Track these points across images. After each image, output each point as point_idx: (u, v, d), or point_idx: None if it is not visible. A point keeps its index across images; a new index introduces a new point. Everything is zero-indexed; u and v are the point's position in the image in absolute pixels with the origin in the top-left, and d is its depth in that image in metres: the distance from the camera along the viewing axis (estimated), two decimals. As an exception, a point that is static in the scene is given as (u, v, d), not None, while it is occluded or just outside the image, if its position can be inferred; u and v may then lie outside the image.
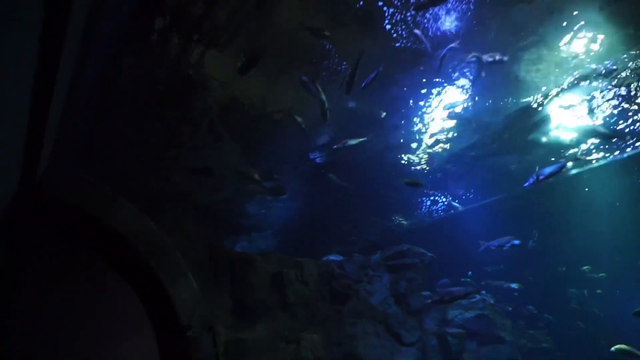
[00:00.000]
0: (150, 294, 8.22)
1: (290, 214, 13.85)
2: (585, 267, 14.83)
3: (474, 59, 7.18)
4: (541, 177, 8.54)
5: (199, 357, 8.13)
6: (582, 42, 7.64)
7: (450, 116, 10.22)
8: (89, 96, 8.12)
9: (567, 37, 7.60)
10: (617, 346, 9.51)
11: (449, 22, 8.00)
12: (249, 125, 10.31)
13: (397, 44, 8.51)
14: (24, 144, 3.05)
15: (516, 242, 8.00)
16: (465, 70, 8.82)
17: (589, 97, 9.30)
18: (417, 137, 11.21)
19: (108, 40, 7.62)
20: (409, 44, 8.51)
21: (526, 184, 8.80)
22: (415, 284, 10.56)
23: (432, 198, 14.74)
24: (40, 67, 2.24)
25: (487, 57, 7.00)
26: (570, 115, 9.82)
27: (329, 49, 8.67)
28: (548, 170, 8.71)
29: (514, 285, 12.27)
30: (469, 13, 7.47)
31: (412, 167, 12.30)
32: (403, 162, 12.11)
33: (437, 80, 9.38)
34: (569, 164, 9.85)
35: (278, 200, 13.28)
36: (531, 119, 10.51)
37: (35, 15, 1.89)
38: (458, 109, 9.93)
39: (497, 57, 7.07)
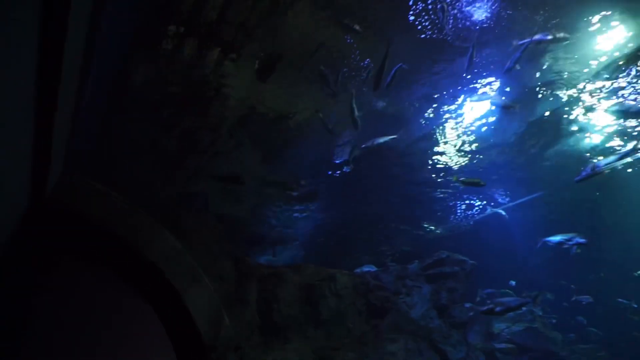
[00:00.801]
0: (168, 311, 7.57)
1: (316, 225, 13.14)
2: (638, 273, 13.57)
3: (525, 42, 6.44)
4: (597, 169, 7.63)
5: (224, 381, 7.37)
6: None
7: (486, 114, 9.45)
8: (101, 102, 7.69)
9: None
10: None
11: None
12: (269, 132, 9.76)
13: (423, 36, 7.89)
14: (32, 154, 2.82)
15: (582, 240, 7.05)
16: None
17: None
18: (447, 137, 10.48)
19: (120, 46, 7.25)
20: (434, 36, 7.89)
21: (579, 177, 7.89)
22: (457, 295, 9.62)
23: (466, 202, 13.82)
24: (41, 68, 2.12)
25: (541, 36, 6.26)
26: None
27: (349, 47, 8.11)
28: (605, 161, 7.81)
29: (586, 298, 11.07)
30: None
31: (441, 167, 11.50)
32: (436, 163, 11.34)
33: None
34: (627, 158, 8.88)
35: (304, 210, 12.60)
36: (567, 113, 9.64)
37: (32, 15, 1.83)
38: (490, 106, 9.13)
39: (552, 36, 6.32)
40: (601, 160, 8.11)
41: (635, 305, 14.88)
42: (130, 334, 7.59)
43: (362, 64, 8.61)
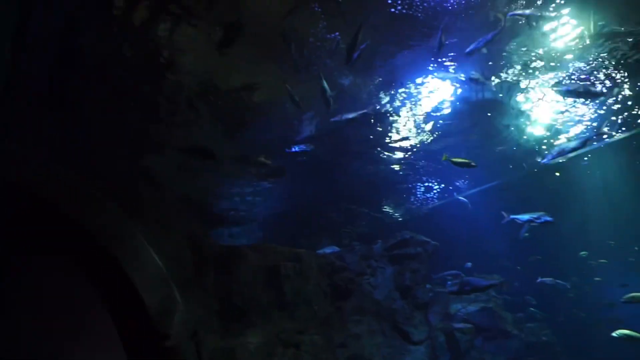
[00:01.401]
0: (114, 296, 6.78)
1: (274, 205, 12.64)
2: (582, 253, 14.33)
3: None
4: (563, 153, 7.74)
5: (180, 371, 6.74)
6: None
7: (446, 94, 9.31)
8: (46, 66, 6.73)
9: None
10: (619, 331, 8.92)
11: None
12: (229, 106, 9.08)
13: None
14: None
15: (549, 218, 7.11)
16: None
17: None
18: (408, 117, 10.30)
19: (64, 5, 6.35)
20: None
21: (545, 160, 7.97)
22: (419, 276, 9.57)
23: (425, 185, 13.87)
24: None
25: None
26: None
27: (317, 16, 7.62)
28: (570, 145, 7.92)
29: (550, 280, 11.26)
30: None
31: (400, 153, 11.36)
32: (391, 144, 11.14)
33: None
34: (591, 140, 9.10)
35: (263, 190, 12.03)
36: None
37: None
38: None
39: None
40: (568, 144, 8.28)
41: (569, 286, 15.81)
42: (69, 322, 6.69)
43: (329, 35, 8.14)
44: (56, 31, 6.65)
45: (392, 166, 12.39)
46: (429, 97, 9.45)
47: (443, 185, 14.09)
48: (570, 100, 8.95)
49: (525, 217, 7.30)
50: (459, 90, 9.08)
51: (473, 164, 6.49)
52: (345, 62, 7.11)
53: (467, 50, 6.93)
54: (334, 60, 8.33)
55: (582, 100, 8.84)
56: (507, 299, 13.89)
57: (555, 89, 8.46)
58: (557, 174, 13.16)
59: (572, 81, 8.28)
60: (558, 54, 7.77)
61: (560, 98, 8.71)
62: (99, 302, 7.07)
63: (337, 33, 8.04)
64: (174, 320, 6.82)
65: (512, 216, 7.62)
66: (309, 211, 13.53)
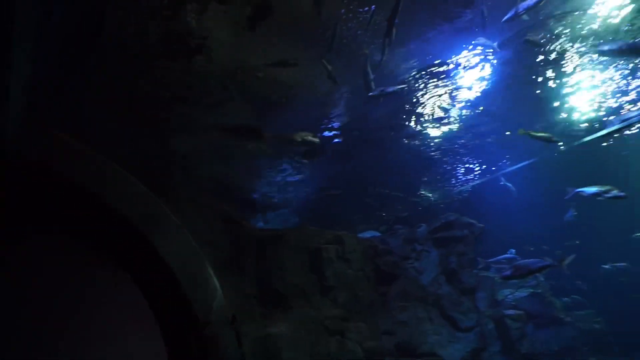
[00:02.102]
0: (152, 283, 6.50)
1: (309, 189, 12.26)
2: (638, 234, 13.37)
3: None
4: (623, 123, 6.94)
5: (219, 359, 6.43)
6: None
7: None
8: (66, 41, 6.43)
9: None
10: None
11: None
12: (259, 88, 8.67)
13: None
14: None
15: (620, 193, 6.40)
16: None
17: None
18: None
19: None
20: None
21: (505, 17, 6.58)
22: (465, 259, 9.00)
23: (464, 165, 13.18)
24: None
25: None
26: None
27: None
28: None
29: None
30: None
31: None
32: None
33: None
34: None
35: (296, 174, 11.65)
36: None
37: None
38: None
39: None
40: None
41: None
42: (104, 310, 6.39)
43: (362, 9, 7.58)
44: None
45: (428, 146, 11.84)
46: (469, 70, 8.87)
47: (484, 166, 13.40)
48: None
49: (592, 190, 6.59)
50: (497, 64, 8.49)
51: (554, 138, 5.82)
52: (385, 36, 6.57)
53: (507, 17, 6.25)
54: (367, 35, 7.83)
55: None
56: (553, 284, 13.15)
57: (600, 48, 7.67)
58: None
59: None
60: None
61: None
62: (133, 288, 6.85)
63: (372, 6, 7.50)
64: (213, 307, 6.54)
65: (577, 190, 6.92)
66: (343, 196, 13.11)
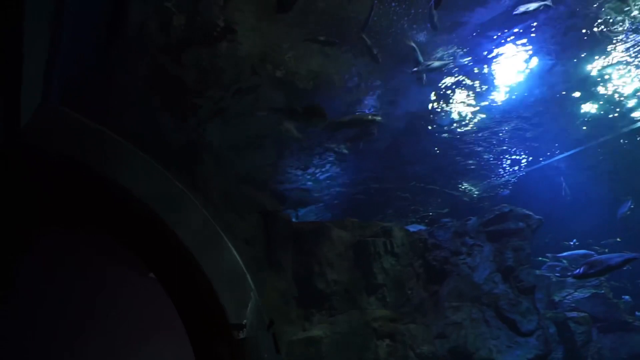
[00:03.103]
0: (178, 282, 5.91)
1: (342, 183, 11.57)
2: None
3: None
4: None
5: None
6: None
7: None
8: (95, 26, 5.98)
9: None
10: None
11: None
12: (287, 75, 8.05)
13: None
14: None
15: None
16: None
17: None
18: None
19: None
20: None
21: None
22: (523, 255, 8.09)
23: (508, 156, 12.22)
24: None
25: None
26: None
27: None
28: None
29: None
30: None
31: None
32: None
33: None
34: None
35: (330, 166, 10.97)
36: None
37: None
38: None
39: None
40: None
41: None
42: (125, 313, 5.78)
43: None
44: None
45: (468, 134, 11.00)
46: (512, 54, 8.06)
47: (530, 157, 12.43)
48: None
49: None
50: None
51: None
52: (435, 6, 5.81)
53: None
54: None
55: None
56: (613, 284, 12.02)
57: None
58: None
59: None
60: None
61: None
62: (156, 288, 6.27)
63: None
64: (247, 308, 5.91)
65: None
66: (378, 191, 12.36)
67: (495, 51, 8.08)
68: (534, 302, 7.95)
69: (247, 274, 6.23)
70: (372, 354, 6.03)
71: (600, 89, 9.35)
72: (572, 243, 10.44)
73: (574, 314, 8.43)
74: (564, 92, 9.65)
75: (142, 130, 6.77)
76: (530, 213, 8.47)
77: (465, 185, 13.34)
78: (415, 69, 7.15)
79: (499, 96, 9.62)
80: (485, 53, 8.14)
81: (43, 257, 5.21)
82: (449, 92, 9.11)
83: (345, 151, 8.81)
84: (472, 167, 12.59)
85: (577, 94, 9.62)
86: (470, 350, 7.02)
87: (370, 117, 6.74)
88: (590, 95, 9.70)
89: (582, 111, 10.19)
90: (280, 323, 6.19)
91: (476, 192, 13.32)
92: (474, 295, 7.46)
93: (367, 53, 7.13)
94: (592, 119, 10.57)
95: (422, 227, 8.51)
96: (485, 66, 8.61)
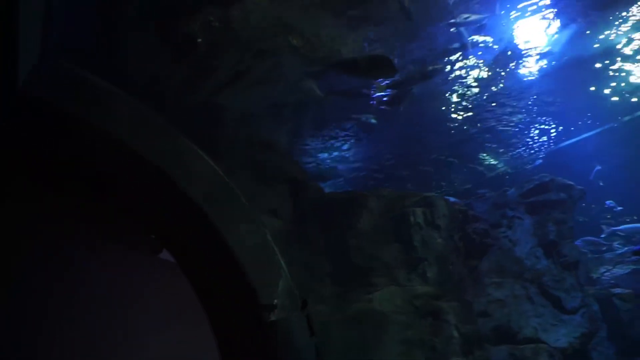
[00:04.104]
0: (203, 260, 5.40)
1: (362, 156, 11.00)
2: None
3: None
4: None
5: (287, 352, 5.28)
6: None
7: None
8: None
9: None
10: None
11: None
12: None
13: None
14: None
15: None
16: None
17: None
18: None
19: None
20: None
21: None
22: (565, 228, 7.55)
23: (538, 127, 11.57)
24: None
25: None
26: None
27: None
28: None
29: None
30: None
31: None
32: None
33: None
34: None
35: (349, 139, 10.37)
36: None
37: None
38: None
39: None
40: None
41: None
42: (138, 297, 5.21)
43: None
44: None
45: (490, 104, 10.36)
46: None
47: (560, 128, 11.77)
48: None
49: None
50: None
51: None
52: None
53: None
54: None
55: None
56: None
57: None
58: None
59: None
60: None
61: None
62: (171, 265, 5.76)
63: None
64: (278, 287, 5.38)
65: None
66: (398, 165, 11.79)
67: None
68: (577, 278, 7.44)
69: (277, 250, 5.70)
70: (416, 334, 5.53)
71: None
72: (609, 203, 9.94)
73: (618, 290, 7.91)
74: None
75: (153, 89, 6.15)
76: (572, 183, 7.89)
77: (489, 159, 12.76)
78: (451, 20, 6.55)
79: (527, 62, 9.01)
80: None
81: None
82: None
83: (372, 121, 8.22)
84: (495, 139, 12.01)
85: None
86: (514, 329, 6.53)
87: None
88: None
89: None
90: (313, 302, 5.68)
91: (501, 167, 12.75)
92: (516, 271, 6.94)
93: (399, 8, 6.49)
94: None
95: (455, 200, 7.93)
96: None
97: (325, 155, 9.96)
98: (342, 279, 5.84)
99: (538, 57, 8.79)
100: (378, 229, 5.73)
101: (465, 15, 6.47)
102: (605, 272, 9.08)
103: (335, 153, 9.92)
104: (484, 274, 6.70)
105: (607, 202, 9.95)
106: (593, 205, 12.03)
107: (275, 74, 7.15)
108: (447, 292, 6.01)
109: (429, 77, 7.16)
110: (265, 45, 6.94)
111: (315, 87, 6.94)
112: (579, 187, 7.89)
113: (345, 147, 9.83)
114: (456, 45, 7.25)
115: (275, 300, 5.19)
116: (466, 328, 5.89)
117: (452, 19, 6.37)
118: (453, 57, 8.24)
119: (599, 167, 12.08)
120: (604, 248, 9.81)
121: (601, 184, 12.10)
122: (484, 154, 12.68)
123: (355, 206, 5.67)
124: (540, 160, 12.15)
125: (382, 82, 6.92)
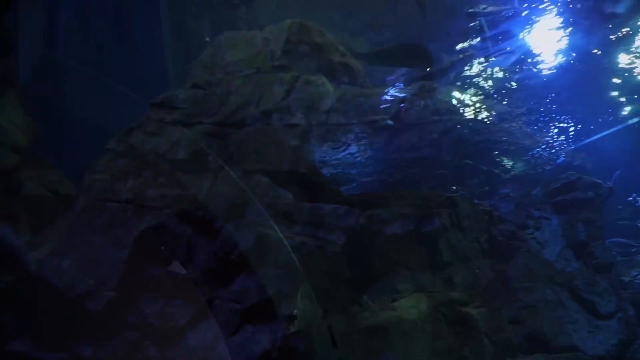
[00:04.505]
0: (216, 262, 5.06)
1: (376, 160, 10.69)
2: None
3: None
4: None
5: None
6: None
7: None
8: None
9: None
10: None
11: None
12: None
13: None
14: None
15: None
16: None
17: None
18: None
19: None
20: None
21: None
22: (595, 228, 7.15)
23: (558, 125, 11.19)
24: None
25: None
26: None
27: None
28: None
29: None
30: None
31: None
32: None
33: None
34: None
35: (362, 143, 10.09)
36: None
37: None
38: None
39: None
40: None
41: None
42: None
43: None
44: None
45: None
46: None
47: (579, 126, 11.38)
48: None
49: None
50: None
51: None
52: None
53: None
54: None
55: None
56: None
57: None
58: None
59: None
60: None
61: None
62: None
63: None
64: (298, 296, 5.07)
65: None
66: (411, 169, 11.47)
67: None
68: (611, 281, 7.00)
69: (293, 254, 5.40)
70: (443, 343, 5.15)
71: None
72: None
73: (655, 293, 7.44)
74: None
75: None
76: (600, 181, 7.50)
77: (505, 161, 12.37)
78: (469, 10, 6.34)
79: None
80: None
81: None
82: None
83: (389, 122, 7.95)
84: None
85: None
86: (548, 337, 6.11)
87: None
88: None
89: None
90: (332, 311, 5.34)
91: (516, 169, 12.33)
92: (546, 275, 6.54)
93: (417, 4, 6.27)
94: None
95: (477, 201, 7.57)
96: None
97: (338, 159, 9.68)
98: (362, 285, 5.50)
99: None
100: (401, 231, 5.39)
101: (484, 6, 6.26)
102: (637, 274, 8.59)
103: (348, 157, 9.64)
104: (513, 277, 6.31)
105: (634, 194, 9.59)
106: (619, 207, 11.57)
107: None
108: (475, 297, 5.64)
109: (446, 73, 6.94)
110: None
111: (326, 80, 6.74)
112: (607, 185, 7.49)
113: (358, 151, 9.54)
114: (475, 40, 7.04)
115: (295, 311, 4.88)
116: (497, 336, 5.50)
117: (470, 8, 6.16)
118: (469, 53, 8.01)
119: (619, 172, 11.69)
120: (634, 249, 9.35)
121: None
122: (501, 156, 12.35)
123: (375, 207, 5.35)
124: (562, 159, 11.75)
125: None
